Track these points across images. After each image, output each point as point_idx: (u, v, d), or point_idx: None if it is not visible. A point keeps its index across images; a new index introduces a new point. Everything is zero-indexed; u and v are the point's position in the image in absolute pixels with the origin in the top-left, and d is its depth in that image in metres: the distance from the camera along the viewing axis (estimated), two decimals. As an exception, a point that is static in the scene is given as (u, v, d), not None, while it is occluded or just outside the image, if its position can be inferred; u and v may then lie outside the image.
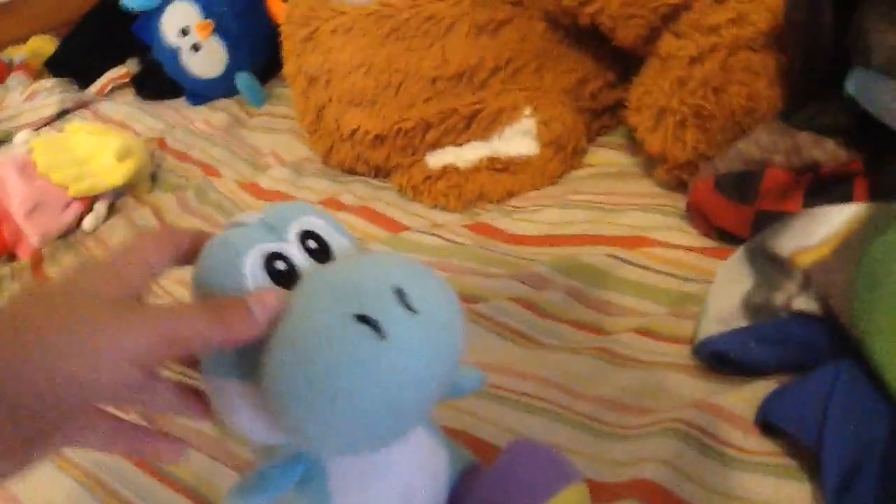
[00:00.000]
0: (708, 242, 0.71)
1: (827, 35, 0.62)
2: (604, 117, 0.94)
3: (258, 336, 0.35)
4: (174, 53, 1.29)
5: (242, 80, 1.29)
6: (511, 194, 0.89)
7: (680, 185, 0.78)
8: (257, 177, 1.08)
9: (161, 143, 1.25)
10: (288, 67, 1.03)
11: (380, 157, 0.96)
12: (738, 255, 0.61)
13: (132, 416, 0.60)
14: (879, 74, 0.57)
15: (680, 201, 0.77)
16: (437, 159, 0.92)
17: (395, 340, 0.33)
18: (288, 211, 0.40)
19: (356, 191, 0.98)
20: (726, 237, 0.69)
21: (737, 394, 0.55)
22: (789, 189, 0.65)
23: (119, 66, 1.53)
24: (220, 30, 1.27)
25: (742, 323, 0.56)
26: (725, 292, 0.59)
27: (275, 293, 0.35)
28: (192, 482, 0.61)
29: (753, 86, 0.69)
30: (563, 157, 0.90)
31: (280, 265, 0.37)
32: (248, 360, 0.36)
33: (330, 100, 0.96)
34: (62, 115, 1.42)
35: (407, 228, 0.88)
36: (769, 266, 0.57)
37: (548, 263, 0.74)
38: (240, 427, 0.38)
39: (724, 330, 0.56)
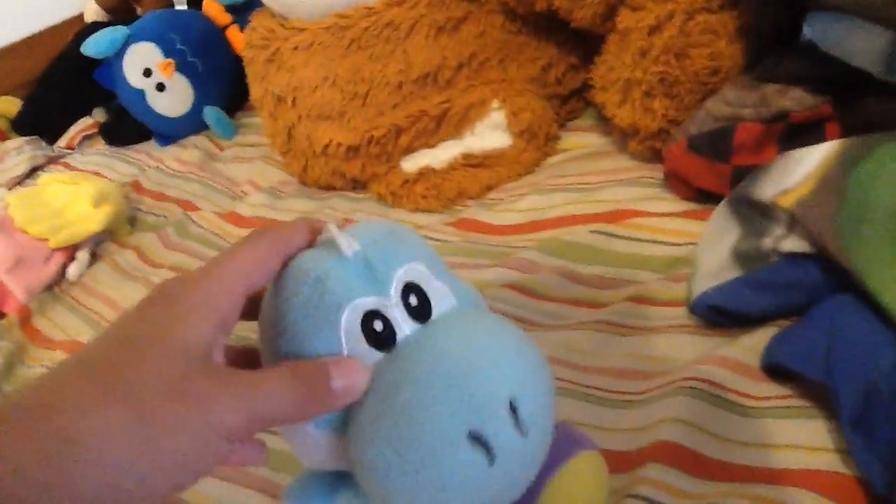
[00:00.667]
0: (690, 206, 0.72)
1: (779, -16, 0.62)
2: (571, 101, 0.95)
3: (335, 410, 0.34)
4: (140, 95, 1.29)
5: (211, 113, 1.29)
6: (490, 188, 0.90)
7: (654, 156, 0.79)
8: (236, 206, 1.08)
9: (136, 186, 1.25)
10: (254, 92, 1.03)
11: (355, 168, 0.96)
12: (721, 209, 0.61)
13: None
14: (835, 14, 0.58)
15: (657, 171, 0.77)
16: (413, 163, 0.92)
17: (505, 465, 0.33)
18: (393, 254, 0.36)
19: (336, 205, 0.98)
20: (707, 198, 0.70)
21: (740, 344, 0.55)
22: (762, 141, 0.65)
23: (86, 118, 1.53)
24: (183, 67, 1.28)
25: (734, 274, 0.56)
26: (713, 247, 0.59)
27: (361, 368, 0.33)
28: (207, 505, 0.60)
29: (714, 46, 0.70)
30: (536, 145, 0.90)
31: (378, 325, 0.35)
32: (339, 414, 0.35)
33: (299, 118, 0.96)
34: (33, 172, 1.41)
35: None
36: (753, 214, 0.58)
37: (535, 248, 0.74)
38: (312, 464, 0.38)
39: (718, 283, 0.57)
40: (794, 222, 0.54)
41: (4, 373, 0.91)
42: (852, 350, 0.47)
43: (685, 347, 0.59)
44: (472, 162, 0.90)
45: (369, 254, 0.35)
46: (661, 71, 0.71)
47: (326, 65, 0.92)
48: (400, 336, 0.35)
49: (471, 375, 0.33)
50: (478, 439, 0.32)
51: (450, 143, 0.91)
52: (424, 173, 0.91)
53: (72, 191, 1.08)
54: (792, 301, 0.54)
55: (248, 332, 0.39)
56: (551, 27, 0.90)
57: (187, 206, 1.14)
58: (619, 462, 0.52)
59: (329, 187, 1.02)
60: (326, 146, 0.94)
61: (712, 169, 0.67)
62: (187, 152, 1.29)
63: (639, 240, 0.71)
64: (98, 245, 1.12)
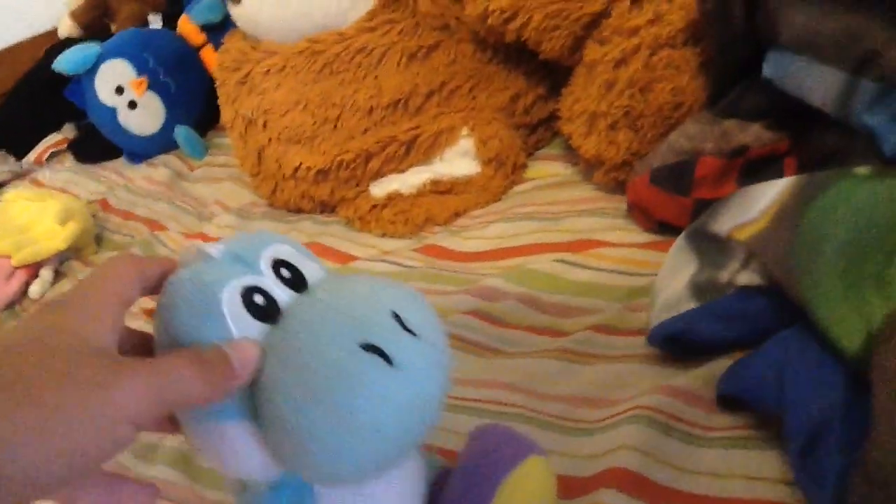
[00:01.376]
0: (652, 237, 0.73)
1: (740, 23, 0.64)
2: (539, 130, 0.96)
3: (237, 389, 0.34)
4: (111, 113, 1.28)
5: (182, 133, 1.29)
6: (457, 214, 0.90)
7: (618, 187, 0.80)
8: (204, 226, 1.08)
9: (104, 205, 1.24)
10: (225, 114, 1.03)
11: (324, 192, 0.96)
12: (680, 241, 0.62)
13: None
14: (790, 53, 0.60)
15: (620, 202, 0.79)
16: (382, 188, 0.93)
17: (405, 365, 0.33)
18: (255, 241, 0.39)
19: (304, 228, 0.99)
20: (669, 230, 0.71)
21: (694, 374, 0.56)
22: (722, 175, 0.67)
23: (55, 133, 1.52)
24: (155, 85, 1.28)
25: (690, 305, 0.57)
26: (671, 279, 0.60)
27: (254, 344, 0.35)
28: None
29: (677, 81, 0.71)
30: (504, 173, 0.91)
31: (259, 299, 0.36)
32: (245, 401, 0.35)
33: (269, 140, 0.96)
34: (0, 187, 1.40)
35: (357, 259, 0.88)
36: (711, 247, 0.59)
37: (499, 275, 0.75)
38: (237, 468, 0.37)
39: (674, 314, 0.57)
40: (750, 256, 0.55)
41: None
42: (804, 382, 0.48)
43: (642, 376, 0.59)
44: (440, 188, 0.91)
45: (234, 248, 0.38)
46: (625, 105, 0.73)
47: (298, 89, 0.92)
48: (282, 305, 0.36)
49: (352, 302, 0.35)
50: (370, 347, 0.33)
51: (419, 168, 0.92)
52: (393, 198, 0.91)
53: (37, 208, 1.07)
54: (746, 333, 0.55)
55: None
56: (521, 57, 0.91)
57: (154, 225, 1.14)
58: (572, 487, 0.52)
59: (298, 210, 1.02)
60: (296, 169, 0.94)
61: (673, 202, 0.68)
62: (157, 171, 1.29)
63: (601, 269, 0.71)
64: (62, 263, 1.11)
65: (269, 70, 0.94)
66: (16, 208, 1.07)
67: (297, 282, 0.38)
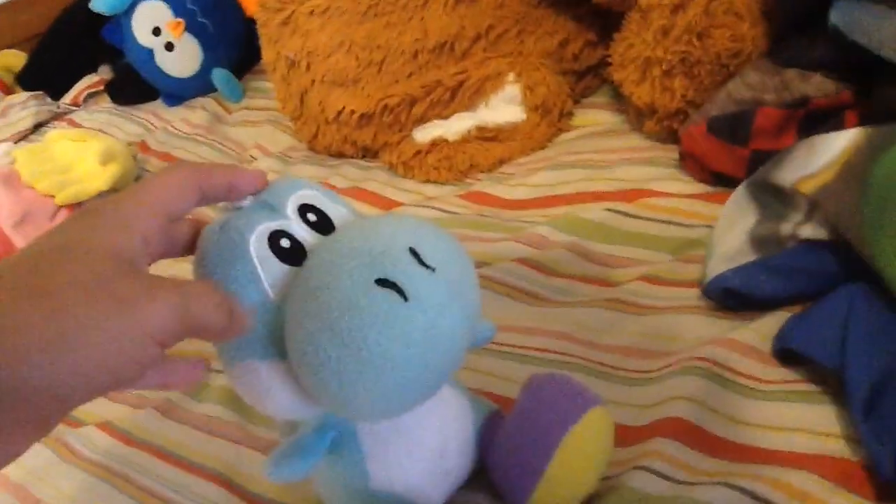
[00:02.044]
0: (704, 188, 0.72)
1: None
2: (587, 78, 0.94)
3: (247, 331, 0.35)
4: (148, 54, 1.27)
5: (219, 75, 1.28)
6: (502, 162, 0.89)
7: (670, 136, 0.79)
8: (244, 170, 1.07)
9: (143, 147, 1.24)
10: (266, 55, 1.02)
11: (367, 136, 0.95)
12: (740, 192, 0.61)
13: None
14: (863, 2, 0.58)
15: (672, 152, 0.77)
16: (425, 133, 0.92)
17: (419, 299, 0.34)
18: (282, 188, 0.40)
19: (346, 173, 0.98)
20: (722, 181, 0.70)
21: (751, 328, 0.55)
22: (782, 126, 0.65)
23: (91, 74, 1.51)
24: (193, 27, 1.26)
25: (750, 258, 0.56)
26: (730, 230, 0.59)
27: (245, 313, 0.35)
28: (219, 468, 0.60)
29: (737, 28, 0.69)
30: (550, 120, 0.90)
31: (285, 242, 0.37)
32: (276, 340, 0.36)
33: (312, 83, 0.95)
34: (38, 127, 1.40)
35: (401, 204, 0.88)
36: (772, 198, 0.58)
37: (547, 223, 0.74)
38: (272, 407, 0.38)
39: (733, 266, 0.57)
40: (814, 209, 0.54)
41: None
42: (868, 340, 0.47)
43: (695, 328, 0.59)
44: (485, 135, 0.90)
45: (262, 195, 0.39)
46: (682, 51, 0.71)
47: (342, 30, 0.91)
48: (308, 248, 0.38)
49: (369, 238, 0.35)
50: (385, 282, 0.33)
51: (464, 114, 0.91)
52: (437, 144, 0.90)
53: (79, 148, 1.07)
54: (806, 287, 0.54)
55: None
56: (571, 2, 0.89)
57: (198, 169, 1.13)
58: (627, 435, 0.52)
59: (339, 154, 1.01)
60: (339, 113, 0.94)
61: (730, 152, 0.67)
62: (195, 114, 1.28)
63: (652, 220, 0.71)
64: (104, 203, 1.12)
65: (313, 11, 0.93)
66: (58, 148, 1.07)
67: (323, 225, 0.39)
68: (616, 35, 0.82)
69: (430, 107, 0.91)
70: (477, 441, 0.48)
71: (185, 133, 1.24)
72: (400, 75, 0.91)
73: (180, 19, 1.26)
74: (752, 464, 0.48)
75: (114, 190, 1.09)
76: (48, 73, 1.51)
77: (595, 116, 0.91)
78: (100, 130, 1.34)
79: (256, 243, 0.37)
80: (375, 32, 0.89)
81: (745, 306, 0.57)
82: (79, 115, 1.42)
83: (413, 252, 0.35)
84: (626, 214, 0.72)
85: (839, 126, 0.64)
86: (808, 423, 0.49)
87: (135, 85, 1.37)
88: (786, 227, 0.55)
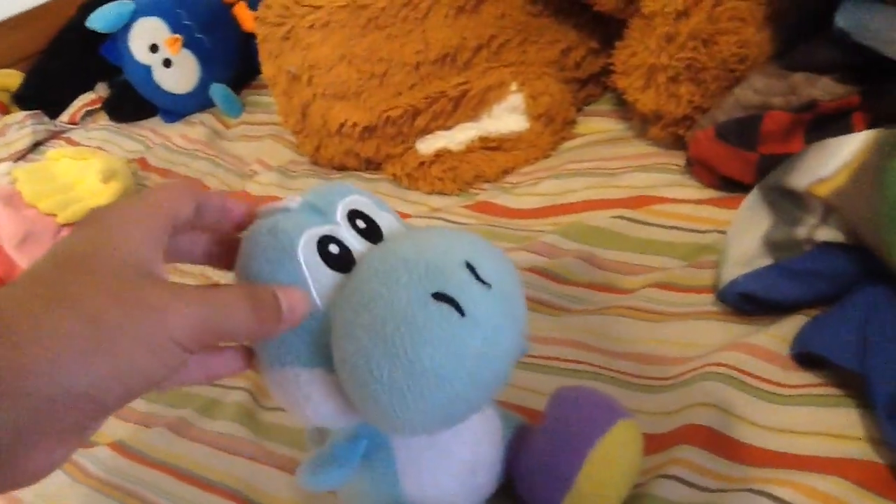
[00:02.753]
0: (713, 193, 0.72)
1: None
2: (589, 86, 0.94)
3: (280, 333, 0.35)
4: (146, 71, 1.27)
5: (218, 91, 1.28)
6: (507, 171, 0.89)
7: (675, 142, 0.79)
8: (246, 185, 1.07)
9: (143, 163, 1.24)
10: (267, 70, 1.01)
11: (370, 148, 0.95)
12: (752, 197, 0.61)
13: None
14: (871, 3, 0.58)
15: (677, 157, 0.77)
16: (429, 145, 0.91)
17: (475, 316, 0.33)
18: (332, 192, 0.39)
19: (349, 186, 0.98)
20: (731, 186, 0.70)
21: (769, 332, 0.55)
22: (790, 130, 0.65)
23: (89, 92, 1.51)
24: (190, 43, 1.26)
25: (766, 262, 0.56)
26: (744, 235, 0.59)
27: (300, 291, 0.35)
28: (235, 485, 0.60)
29: (743, 33, 0.69)
30: (553, 129, 0.90)
31: (334, 249, 0.37)
32: (321, 348, 0.36)
33: (314, 96, 0.95)
34: (36, 146, 1.40)
35: (408, 216, 0.88)
36: (786, 202, 0.58)
37: (556, 232, 0.74)
38: (310, 414, 0.38)
39: (748, 271, 0.57)
40: (829, 212, 0.54)
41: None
42: (889, 339, 0.47)
43: (712, 334, 0.59)
44: (489, 145, 0.89)
45: (311, 199, 0.38)
46: (688, 57, 0.71)
47: (343, 43, 0.91)
48: (356, 255, 0.37)
49: (425, 251, 0.35)
50: (443, 296, 0.33)
51: (467, 125, 0.91)
52: (441, 155, 0.90)
53: (80, 166, 1.06)
54: (824, 291, 0.54)
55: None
56: (572, 10, 0.90)
57: (196, 184, 1.13)
58: (649, 444, 0.52)
59: (342, 167, 1.01)
60: (341, 126, 0.93)
61: (739, 157, 0.67)
62: (194, 129, 1.28)
63: (662, 226, 0.71)
64: (106, 221, 1.11)
65: (313, 25, 0.92)
66: (59, 167, 1.07)
67: (372, 233, 0.38)
68: (618, 43, 0.82)
69: (433, 118, 0.90)
70: (505, 455, 0.47)
71: (184, 149, 1.24)
72: (402, 87, 0.90)
73: (178, 35, 1.25)
74: (777, 469, 0.48)
75: (115, 208, 1.08)
76: (45, 92, 1.50)
77: (598, 124, 0.91)
78: (98, 148, 1.33)
79: (305, 248, 0.36)
80: (377, 45, 0.89)
81: (762, 311, 0.57)
82: (77, 134, 1.41)
83: (469, 267, 0.34)
84: (635, 221, 0.72)
85: (847, 129, 0.64)
86: (831, 426, 0.49)
87: (132, 102, 1.37)
88: (801, 231, 0.55)
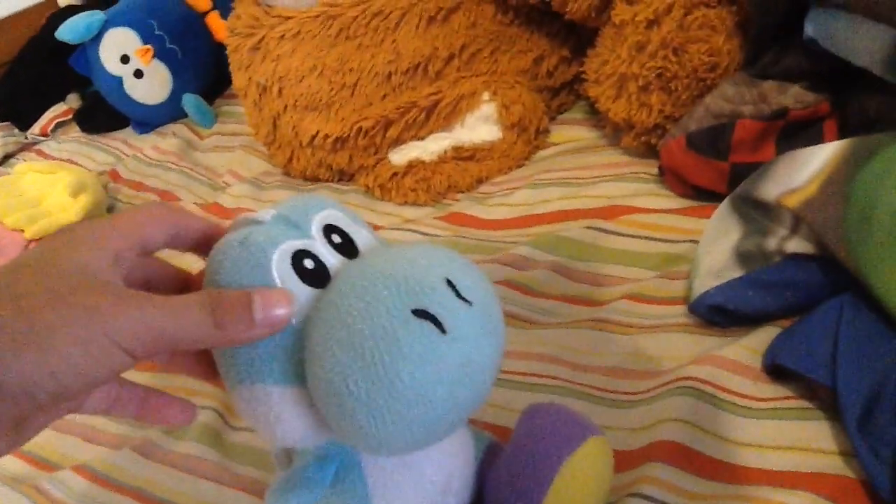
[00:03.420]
0: (685, 202, 0.71)
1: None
2: (562, 94, 0.94)
3: (258, 340, 0.34)
4: (117, 82, 1.25)
5: (190, 101, 1.26)
6: (480, 181, 0.89)
7: (648, 151, 0.78)
8: (218, 196, 1.06)
9: (114, 175, 1.22)
10: (237, 80, 1.00)
11: (342, 160, 0.94)
12: (723, 207, 0.61)
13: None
14: (838, 11, 0.58)
15: (650, 166, 0.77)
16: (402, 155, 0.90)
17: (457, 333, 0.32)
18: (307, 205, 0.38)
19: (322, 197, 0.96)
20: (703, 195, 0.69)
21: (740, 344, 0.55)
22: (761, 138, 0.65)
23: (59, 104, 1.49)
24: (162, 53, 1.25)
25: (736, 273, 0.56)
26: (715, 246, 0.59)
27: (287, 295, 0.34)
28: (200, 509, 0.59)
29: (713, 41, 0.69)
30: (526, 138, 0.89)
31: (309, 264, 0.36)
32: (293, 365, 0.35)
33: (285, 108, 0.94)
34: (6, 159, 1.38)
35: (380, 228, 0.87)
36: (756, 213, 0.57)
37: (528, 243, 0.73)
38: (280, 433, 0.37)
39: (719, 283, 0.56)
40: (799, 223, 0.53)
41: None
42: (858, 353, 0.47)
43: (683, 347, 0.58)
44: (462, 155, 0.89)
45: (285, 212, 0.38)
46: (658, 66, 0.71)
47: (314, 54, 0.90)
48: (332, 270, 0.36)
49: (404, 266, 0.34)
50: (423, 313, 0.32)
51: (440, 135, 0.90)
52: (413, 166, 0.89)
53: (48, 180, 1.05)
54: (794, 302, 0.54)
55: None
56: (543, 19, 0.89)
57: (167, 196, 1.12)
58: (620, 461, 0.51)
59: (314, 179, 1.00)
60: (313, 137, 0.92)
61: (710, 166, 0.66)
62: (166, 141, 1.26)
63: (634, 236, 0.70)
64: (75, 235, 1.09)
65: (283, 35, 0.91)
66: (26, 181, 1.05)
67: (347, 248, 0.38)
68: (590, 51, 0.82)
69: (405, 128, 0.90)
70: (476, 474, 0.47)
71: (156, 160, 1.22)
72: (374, 97, 0.90)
73: (149, 46, 1.24)
74: (749, 485, 0.47)
75: (86, 220, 1.07)
76: (15, 104, 1.48)
77: (571, 133, 0.91)
78: (69, 160, 1.32)
79: (279, 262, 0.35)
80: (347, 55, 0.88)
81: (733, 322, 0.57)
82: (48, 146, 1.39)
83: (450, 283, 0.33)
84: (608, 231, 0.71)
85: (818, 137, 0.64)
86: (802, 440, 0.49)
87: (104, 113, 1.35)
88: (771, 242, 0.55)
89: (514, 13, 0.89)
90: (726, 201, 0.60)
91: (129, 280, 0.34)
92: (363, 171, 0.94)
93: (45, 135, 1.44)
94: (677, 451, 0.50)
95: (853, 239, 0.49)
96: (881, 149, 0.51)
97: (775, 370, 0.52)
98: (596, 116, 0.88)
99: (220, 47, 1.06)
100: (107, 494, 0.62)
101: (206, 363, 0.39)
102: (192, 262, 0.41)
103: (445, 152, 0.89)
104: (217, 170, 1.14)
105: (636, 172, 0.77)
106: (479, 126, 0.89)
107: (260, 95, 0.96)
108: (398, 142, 0.91)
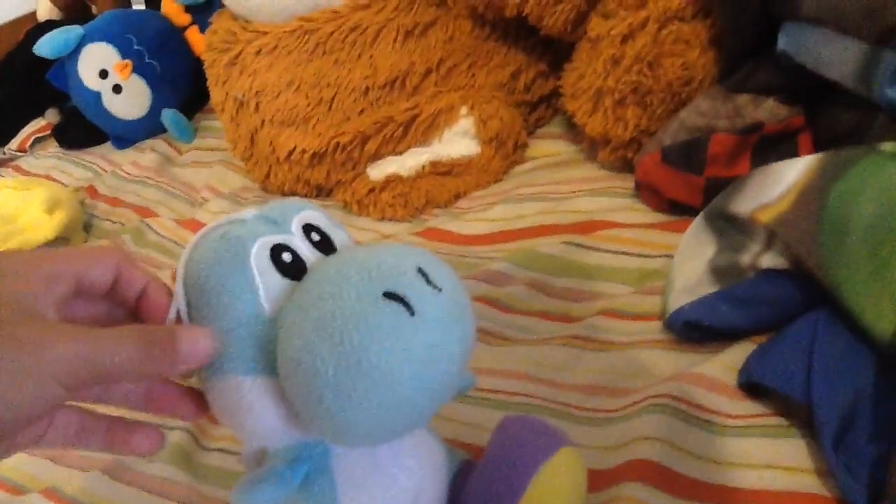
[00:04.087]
0: (661, 217, 0.71)
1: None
2: (540, 108, 0.94)
3: (182, 373, 0.34)
4: (95, 97, 1.24)
5: (169, 116, 1.25)
6: (458, 196, 0.88)
7: (625, 165, 0.78)
8: (196, 212, 1.05)
9: (91, 191, 1.21)
10: (215, 96, 1.00)
11: (320, 175, 0.93)
12: (697, 223, 0.60)
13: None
14: (809, 25, 0.58)
15: (627, 181, 0.77)
16: (379, 170, 0.90)
17: (426, 316, 0.33)
18: (287, 206, 0.39)
19: (300, 213, 0.96)
20: (679, 209, 0.69)
21: (715, 361, 0.54)
22: (736, 152, 0.65)
23: (38, 119, 1.48)
24: (140, 68, 1.24)
25: (710, 289, 0.55)
26: (689, 262, 0.58)
27: (208, 334, 0.35)
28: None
29: (687, 55, 0.69)
30: (504, 153, 0.89)
31: (286, 257, 0.37)
32: (266, 355, 0.35)
33: (262, 123, 0.93)
34: (-17, 176, 1.36)
35: (356, 243, 0.86)
36: (730, 229, 0.57)
37: (505, 259, 0.73)
38: (251, 426, 0.37)
39: (694, 298, 0.56)
40: (773, 238, 0.53)
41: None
42: (833, 369, 0.46)
43: (658, 363, 0.58)
44: (440, 170, 0.88)
45: (266, 212, 0.39)
46: (633, 80, 0.70)
47: (291, 69, 0.89)
48: (309, 264, 0.37)
49: (376, 257, 0.35)
50: (393, 295, 0.33)
51: (417, 150, 0.89)
52: (391, 181, 0.89)
53: (23, 197, 1.04)
54: (769, 317, 0.53)
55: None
56: (520, 33, 0.89)
57: (145, 212, 1.11)
58: (595, 480, 0.50)
59: (292, 194, 0.99)
60: (290, 152, 0.92)
61: (685, 180, 0.66)
62: (144, 156, 1.25)
63: (610, 251, 0.70)
64: (51, 253, 1.08)
65: (260, 50, 0.91)
66: (1, 198, 1.04)
67: (326, 246, 0.38)
68: (567, 66, 0.82)
69: (383, 143, 0.89)
70: (449, 491, 0.46)
71: (134, 176, 1.21)
72: (351, 112, 0.89)
73: (128, 61, 1.23)
74: (725, 504, 0.47)
75: (61, 238, 1.06)
76: (-9, 120, 1.47)
77: (549, 147, 0.90)
78: (47, 176, 1.31)
79: (258, 254, 0.36)
80: (324, 70, 0.88)
81: (708, 338, 0.56)
82: (26, 161, 1.38)
83: (421, 272, 0.34)
84: (584, 247, 0.71)
85: (793, 150, 0.64)
86: (779, 458, 0.48)
87: (82, 128, 1.34)
88: (745, 257, 0.54)
89: (491, 28, 0.89)
90: (700, 216, 0.60)
91: (69, 316, 0.34)
92: (341, 186, 0.94)
93: (23, 150, 1.43)
94: (653, 470, 0.49)
95: (827, 254, 0.48)
96: (854, 163, 0.51)
97: (751, 387, 0.51)
98: (573, 131, 0.88)
99: (199, 62, 1.05)
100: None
101: (137, 394, 0.39)
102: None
103: (423, 167, 0.88)
104: (195, 185, 1.13)
105: (613, 187, 0.77)
106: (457, 141, 0.89)
107: (237, 110, 0.96)
108: (376, 157, 0.91)
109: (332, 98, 0.89)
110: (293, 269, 0.36)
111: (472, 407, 0.59)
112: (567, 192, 0.80)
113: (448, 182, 0.88)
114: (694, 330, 0.56)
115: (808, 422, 0.47)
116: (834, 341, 0.48)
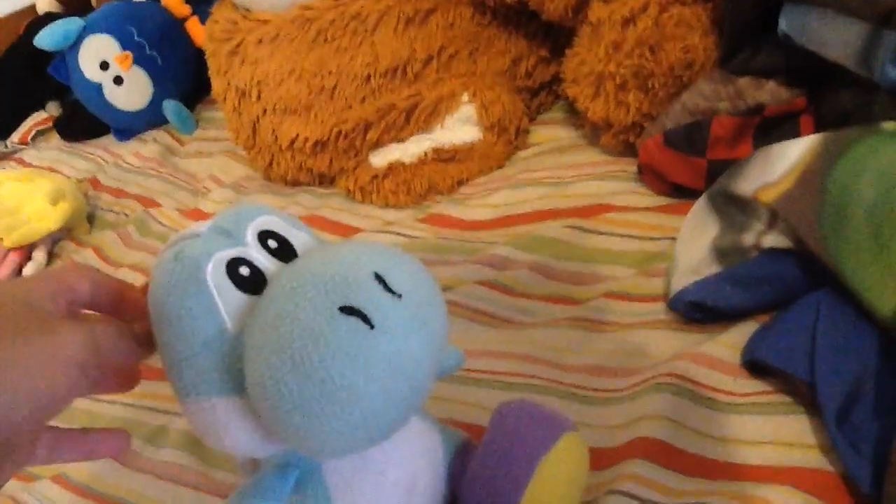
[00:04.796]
0: (664, 200, 0.71)
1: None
2: (541, 94, 0.94)
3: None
4: (97, 89, 1.25)
5: (170, 107, 1.26)
6: (460, 182, 0.88)
7: (627, 149, 0.78)
8: (199, 202, 1.05)
9: (94, 183, 1.21)
10: (216, 86, 1.00)
11: (322, 163, 0.94)
12: (700, 204, 0.61)
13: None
14: (810, 7, 0.58)
15: (630, 165, 0.77)
16: (382, 158, 0.90)
17: (385, 328, 0.32)
18: (241, 214, 0.38)
19: (303, 201, 0.96)
20: (682, 192, 0.69)
21: (719, 340, 0.55)
22: (738, 134, 0.65)
23: (39, 111, 1.48)
24: (141, 60, 1.24)
25: (714, 269, 0.56)
26: (693, 243, 0.59)
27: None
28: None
29: (689, 39, 0.69)
30: (506, 139, 0.89)
31: (244, 271, 0.36)
32: (235, 374, 0.35)
33: (264, 112, 0.93)
34: (-15, 169, 1.37)
35: (361, 231, 0.87)
36: (733, 209, 0.57)
37: (508, 244, 0.73)
38: (231, 444, 0.37)
39: (697, 279, 0.56)
40: (775, 218, 0.53)
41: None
42: (836, 348, 0.47)
43: (663, 344, 0.58)
44: (442, 156, 0.88)
45: (220, 223, 0.38)
46: (634, 64, 0.70)
47: (292, 58, 0.89)
48: (268, 275, 0.36)
49: (331, 263, 0.34)
50: (349, 309, 0.32)
51: (420, 136, 0.90)
52: (394, 168, 0.89)
53: (27, 188, 1.04)
54: (772, 297, 0.54)
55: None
56: (521, 19, 0.89)
57: (148, 202, 1.11)
58: (600, 458, 0.51)
59: (295, 182, 1.00)
60: (293, 141, 0.92)
61: (688, 163, 0.66)
62: (146, 147, 1.26)
63: (613, 234, 0.70)
64: (55, 244, 1.09)
65: (261, 39, 0.91)
66: (4, 190, 1.04)
67: (284, 252, 0.37)
68: (568, 51, 0.82)
69: (385, 130, 0.89)
70: (448, 474, 0.46)
71: (136, 167, 1.21)
72: (353, 100, 0.89)
73: (128, 52, 1.23)
74: (730, 481, 0.47)
75: (65, 228, 1.06)
76: (-7, 114, 1.47)
77: (551, 133, 0.91)
78: (50, 168, 1.31)
79: (214, 272, 0.35)
80: (326, 58, 0.88)
81: (712, 318, 0.57)
82: (28, 154, 1.39)
83: (378, 278, 0.33)
84: (587, 230, 0.71)
85: (795, 132, 0.64)
86: (782, 435, 0.48)
87: (84, 120, 1.35)
88: (748, 238, 0.55)
89: (492, 14, 0.89)
90: (703, 198, 0.60)
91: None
92: (343, 173, 0.94)
93: (25, 143, 1.44)
94: (657, 448, 0.50)
95: (828, 233, 0.49)
96: (855, 143, 0.51)
97: (754, 366, 0.52)
98: (575, 116, 0.88)
99: (200, 53, 1.05)
100: (86, 504, 0.62)
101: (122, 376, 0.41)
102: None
103: (426, 154, 0.89)
104: (198, 176, 1.14)
105: (615, 171, 0.77)
106: (459, 127, 0.89)
107: (239, 100, 0.96)
108: (378, 144, 0.91)
109: (334, 86, 0.89)
110: (251, 283, 0.35)
111: (478, 388, 0.59)
112: (570, 176, 0.80)
113: (450, 168, 0.88)
114: (697, 310, 0.57)
115: (812, 400, 0.47)
116: (837, 320, 0.48)
